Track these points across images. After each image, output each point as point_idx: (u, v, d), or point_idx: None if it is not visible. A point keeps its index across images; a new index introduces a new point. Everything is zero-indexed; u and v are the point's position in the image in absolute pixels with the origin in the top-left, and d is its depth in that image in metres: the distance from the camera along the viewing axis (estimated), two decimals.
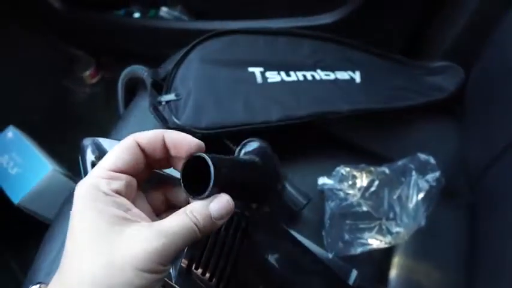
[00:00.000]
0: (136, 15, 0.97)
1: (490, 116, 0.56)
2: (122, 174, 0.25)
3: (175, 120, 0.51)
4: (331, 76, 0.59)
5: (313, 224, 0.57)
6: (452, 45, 0.65)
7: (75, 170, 0.81)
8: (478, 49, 0.60)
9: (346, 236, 0.54)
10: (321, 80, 0.58)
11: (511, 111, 0.50)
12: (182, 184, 0.26)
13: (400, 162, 0.57)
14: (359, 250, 0.54)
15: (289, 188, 0.52)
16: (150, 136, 0.27)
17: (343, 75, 0.59)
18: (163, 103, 0.53)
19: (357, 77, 0.60)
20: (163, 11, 0.96)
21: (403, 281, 0.54)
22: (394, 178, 0.56)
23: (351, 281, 0.47)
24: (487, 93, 0.58)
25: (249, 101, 0.53)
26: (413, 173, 0.56)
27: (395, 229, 0.55)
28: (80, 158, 0.46)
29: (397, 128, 0.63)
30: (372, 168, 0.57)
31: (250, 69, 0.56)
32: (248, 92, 0.54)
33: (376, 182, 0.56)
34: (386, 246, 0.54)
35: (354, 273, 0.49)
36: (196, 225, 0.24)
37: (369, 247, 0.54)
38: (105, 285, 0.21)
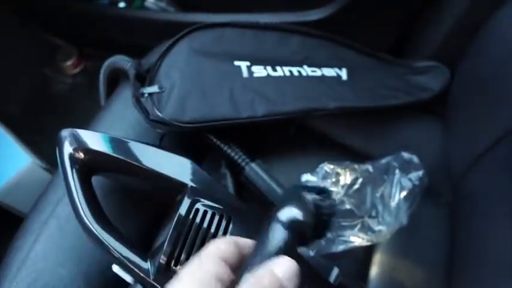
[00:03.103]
0: (121, 4, 0.94)
1: (472, 116, 0.57)
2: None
3: (158, 112, 0.50)
4: (318, 73, 0.58)
5: None
6: (438, 45, 0.65)
7: (55, 163, 0.79)
8: (464, 49, 0.60)
9: (328, 234, 0.54)
10: (308, 76, 0.57)
11: (494, 112, 0.50)
12: None
13: (383, 161, 0.57)
14: (341, 248, 0.53)
15: (272, 184, 0.51)
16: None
17: (329, 72, 0.59)
18: (145, 95, 0.52)
19: (344, 74, 0.60)
20: (150, 1, 0.94)
21: (384, 279, 0.54)
22: (377, 176, 0.56)
23: (332, 278, 0.46)
24: (471, 93, 0.58)
25: (234, 95, 0.53)
26: (397, 171, 0.56)
27: (377, 227, 0.55)
28: (57, 149, 0.45)
29: (381, 126, 0.63)
30: (356, 166, 0.57)
31: (237, 62, 0.55)
32: (233, 85, 0.53)
33: (360, 180, 0.56)
34: (368, 244, 0.54)
35: (335, 270, 0.48)
36: None
37: (350, 245, 0.54)
38: None
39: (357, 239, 0.55)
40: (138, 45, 0.73)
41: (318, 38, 0.62)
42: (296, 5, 0.77)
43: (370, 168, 0.57)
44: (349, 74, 0.60)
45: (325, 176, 0.56)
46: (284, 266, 0.25)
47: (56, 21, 1.00)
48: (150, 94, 0.52)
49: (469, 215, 0.53)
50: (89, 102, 0.97)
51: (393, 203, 0.55)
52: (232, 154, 0.53)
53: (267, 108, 0.52)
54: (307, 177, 0.56)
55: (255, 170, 0.52)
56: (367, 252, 0.55)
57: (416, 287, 0.53)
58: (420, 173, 0.56)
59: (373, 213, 0.55)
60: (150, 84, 0.53)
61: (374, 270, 0.54)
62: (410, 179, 0.57)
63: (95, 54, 1.06)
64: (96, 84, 0.66)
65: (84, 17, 0.95)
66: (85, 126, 0.63)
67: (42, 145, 0.84)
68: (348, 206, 0.55)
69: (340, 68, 0.60)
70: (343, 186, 0.56)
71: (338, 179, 0.56)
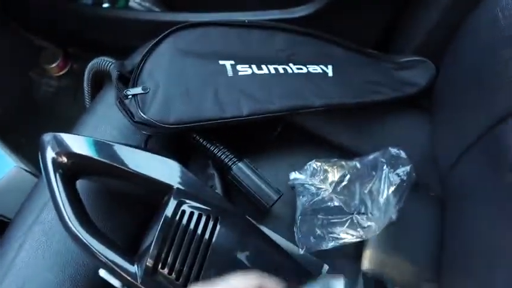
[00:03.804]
0: (105, 5, 0.93)
1: (459, 110, 0.57)
2: None
3: (142, 114, 0.49)
4: (304, 70, 0.58)
5: (285, 219, 0.56)
6: (423, 40, 0.65)
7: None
8: (448, 44, 0.60)
9: (318, 231, 0.54)
10: (293, 74, 0.57)
11: (480, 106, 0.50)
12: None
13: (371, 156, 0.57)
14: (330, 245, 0.53)
15: (259, 183, 0.51)
16: None
17: (315, 68, 0.59)
18: (129, 96, 0.51)
19: (329, 71, 0.60)
20: (134, 1, 0.93)
21: (375, 275, 0.54)
22: (365, 172, 0.56)
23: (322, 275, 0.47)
24: (456, 87, 0.58)
25: (219, 95, 0.52)
26: (384, 167, 0.56)
27: (366, 223, 0.55)
28: (39, 154, 0.44)
29: (368, 122, 0.63)
30: (344, 163, 0.57)
31: (221, 62, 0.55)
32: (218, 85, 0.53)
33: (348, 177, 0.56)
34: (357, 240, 0.55)
35: (325, 268, 0.49)
36: None
37: (340, 242, 0.54)
38: None
39: (347, 236, 0.55)
40: (123, 45, 0.72)
41: (303, 36, 0.62)
42: (282, 2, 0.77)
43: (357, 164, 0.57)
44: (334, 70, 0.60)
45: (313, 173, 0.56)
46: None
47: (39, 22, 0.98)
48: (134, 95, 0.51)
49: (457, 207, 0.54)
50: (75, 105, 0.96)
51: (382, 199, 0.56)
52: (219, 154, 0.52)
53: (252, 107, 0.52)
54: (294, 175, 0.55)
55: (242, 169, 0.52)
56: (357, 249, 0.55)
57: (407, 282, 0.54)
58: (408, 168, 0.56)
59: (362, 210, 0.56)
60: (134, 85, 0.52)
61: (365, 266, 0.54)
62: (398, 174, 0.57)
63: (81, 56, 1.04)
64: (82, 86, 0.65)
65: (68, 17, 0.93)
66: (70, 129, 0.63)
67: (28, 149, 0.82)
68: (336, 203, 0.55)
69: (325, 65, 0.60)
70: (331, 183, 0.56)
71: (326, 176, 0.56)
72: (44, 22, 0.97)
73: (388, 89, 0.61)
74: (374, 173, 0.56)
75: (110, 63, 0.55)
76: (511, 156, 0.40)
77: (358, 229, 0.55)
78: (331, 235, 0.55)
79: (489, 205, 0.45)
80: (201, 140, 0.53)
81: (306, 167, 0.56)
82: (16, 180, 0.76)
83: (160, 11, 0.91)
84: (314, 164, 0.56)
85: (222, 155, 0.52)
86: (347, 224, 0.55)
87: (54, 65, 1.02)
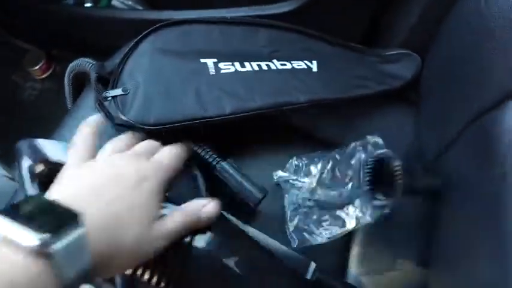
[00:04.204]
0: (88, 4, 0.92)
1: (444, 102, 0.57)
2: None
3: (122, 116, 0.48)
4: (288, 66, 0.57)
5: (275, 217, 0.56)
6: (408, 33, 0.65)
7: None
8: (432, 36, 0.60)
9: (306, 227, 0.54)
10: (277, 70, 0.56)
11: (465, 97, 0.50)
12: None
13: (350, 146, 0.57)
14: (319, 240, 0.53)
15: (244, 182, 0.50)
16: None
17: (299, 64, 0.58)
18: (109, 98, 0.50)
19: (314, 66, 0.59)
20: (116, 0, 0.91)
21: (363, 272, 0.54)
22: (344, 162, 0.56)
23: (309, 274, 0.46)
24: (442, 79, 0.58)
25: (201, 94, 0.51)
26: (362, 154, 0.56)
27: (353, 213, 0.54)
28: (16, 162, 0.43)
29: (353, 116, 0.62)
30: (324, 155, 0.56)
31: (203, 60, 0.53)
32: (200, 83, 0.52)
33: (328, 168, 0.56)
34: (346, 230, 0.54)
35: (312, 266, 0.48)
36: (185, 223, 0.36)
37: (327, 236, 0.54)
38: None
39: (333, 229, 0.54)
40: (107, 45, 0.71)
41: (287, 31, 0.61)
42: None
43: (337, 156, 0.57)
44: (319, 65, 0.59)
45: (296, 170, 0.55)
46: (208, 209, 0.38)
47: (20, 24, 0.97)
48: (113, 97, 0.50)
49: (444, 199, 0.54)
50: (59, 108, 0.94)
51: (364, 186, 0.55)
52: (203, 154, 0.51)
53: (235, 105, 0.51)
54: (278, 173, 0.55)
55: (226, 168, 0.51)
56: (345, 245, 0.55)
57: (395, 278, 0.53)
58: (383, 151, 0.56)
59: (346, 200, 0.55)
60: (114, 86, 0.51)
61: (352, 263, 0.54)
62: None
63: (64, 57, 1.03)
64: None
65: (49, 18, 0.91)
66: (52, 132, 0.61)
67: (11, 154, 0.81)
68: (321, 197, 0.54)
69: (310, 61, 0.59)
70: (314, 176, 0.56)
71: (309, 170, 0.56)
72: (26, 24, 0.95)
73: (373, 83, 0.61)
74: (352, 162, 0.56)
75: (90, 65, 0.54)
76: (497, 147, 0.40)
77: (346, 220, 0.54)
78: (318, 230, 0.54)
79: (475, 196, 0.45)
80: (183, 140, 0.51)
81: (287, 165, 0.55)
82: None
83: (143, 9, 0.90)
84: (295, 161, 0.56)
85: (205, 154, 0.51)
86: (334, 216, 0.55)
87: (37, 67, 1.00)
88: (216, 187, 0.52)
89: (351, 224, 0.54)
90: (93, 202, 0.30)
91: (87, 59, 0.56)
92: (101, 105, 0.50)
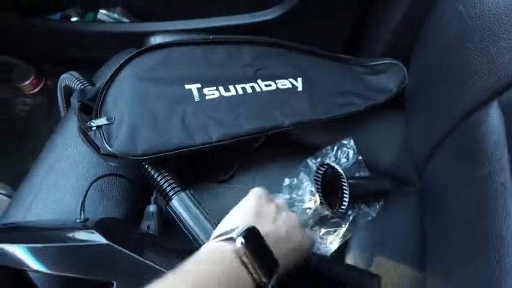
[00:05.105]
0: (74, 18, 0.91)
1: (430, 105, 0.57)
2: None
3: (108, 147, 0.48)
4: (272, 86, 0.57)
5: None
6: (390, 38, 0.65)
7: (16, 187, 0.77)
8: (416, 40, 0.59)
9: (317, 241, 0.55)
10: (262, 92, 0.56)
11: (449, 100, 0.50)
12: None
13: (322, 151, 0.58)
14: (328, 249, 0.54)
15: (199, 217, 0.47)
16: None
17: (284, 84, 0.58)
18: (93, 128, 0.50)
19: (299, 84, 0.59)
20: (102, 13, 0.90)
21: None
22: (314, 168, 0.58)
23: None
24: (426, 83, 0.58)
25: (186, 122, 0.51)
26: (332, 156, 0.58)
27: (347, 220, 0.55)
28: None
29: (344, 122, 0.62)
30: (303, 166, 0.57)
31: (187, 86, 0.53)
32: (185, 111, 0.52)
33: (302, 176, 0.57)
34: (344, 238, 0.55)
35: None
36: None
37: (332, 245, 0.55)
38: None
39: (333, 237, 0.55)
40: (95, 58, 0.70)
41: (271, 46, 0.61)
42: (250, 6, 0.75)
43: (309, 162, 0.58)
44: (304, 83, 0.59)
45: (290, 190, 0.56)
46: None
47: (7, 39, 0.96)
48: (98, 127, 0.50)
49: (436, 200, 0.54)
50: (50, 122, 0.94)
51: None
52: (162, 182, 0.48)
53: (221, 132, 0.51)
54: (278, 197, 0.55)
55: (183, 200, 0.48)
56: (339, 249, 0.55)
57: (392, 282, 0.53)
58: (350, 150, 0.59)
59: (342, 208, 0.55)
60: (98, 115, 0.50)
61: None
62: (347, 159, 0.59)
63: (54, 71, 1.02)
64: (57, 102, 0.64)
65: (36, 33, 0.91)
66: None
67: (3, 170, 0.81)
68: (319, 209, 0.55)
69: (295, 78, 0.59)
70: (305, 189, 0.56)
71: (301, 184, 0.57)
72: (13, 39, 0.94)
73: (359, 99, 0.61)
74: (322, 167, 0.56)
75: (76, 79, 0.54)
76: (482, 147, 0.40)
77: (341, 227, 0.56)
78: (326, 241, 0.55)
79: (463, 196, 0.45)
80: (147, 167, 0.50)
81: (282, 188, 0.56)
82: None
83: (129, 22, 0.89)
84: (287, 181, 0.56)
85: (164, 183, 0.48)
86: (332, 226, 0.56)
87: (27, 82, 1.00)
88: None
89: (344, 233, 0.55)
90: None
91: (72, 74, 0.56)
92: (85, 136, 0.50)
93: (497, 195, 0.37)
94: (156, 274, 0.30)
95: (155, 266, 0.38)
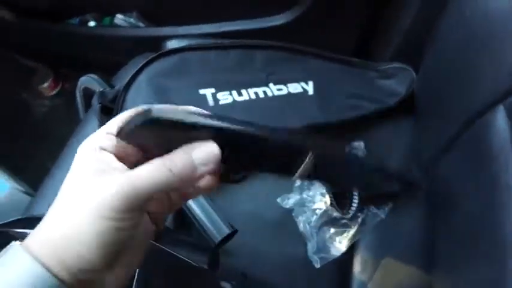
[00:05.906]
0: (92, 23, 0.94)
1: (438, 108, 0.57)
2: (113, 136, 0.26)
3: None
4: (284, 90, 0.58)
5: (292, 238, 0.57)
6: (400, 42, 0.66)
7: (37, 187, 0.79)
8: (426, 43, 0.60)
9: (328, 242, 0.56)
10: (274, 97, 0.57)
11: (457, 104, 0.51)
12: None
13: None
14: (338, 254, 0.55)
15: (211, 215, 0.49)
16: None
17: (295, 87, 0.59)
18: None
19: (310, 88, 0.60)
20: (119, 18, 0.93)
21: (367, 277, 0.55)
22: None
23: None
24: (435, 86, 0.58)
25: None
26: None
27: (356, 221, 0.56)
28: None
29: (352, 125, 0.62)
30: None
31: (201, 91, 0.55)
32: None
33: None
34: (353, 239, 0.56)
35: None
36: (171, 169, 0.24)
37: (344, 245, 0.56)
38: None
39: (345, 239, 0.56)
40: (112, 62, 0.73)
41: (283, 51, 0.62)
42: (260, 12, 0.77)
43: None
44: (315, 87, 0.60)
45: (301, 189, 0.57)
46: (202, 150, 0.25)
47: (28, 43, 0.99)
48: None
49: (444, 202, 0.54)
50: (68, 124, 0.97)
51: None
52: None
53: None
54: (286, 199, 0.57)
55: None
56: (347, 252, 0.56)
57: (399, 282, 0.54)
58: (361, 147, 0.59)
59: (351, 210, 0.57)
60: None
61: (357, 270, 0.55)
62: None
63: (71, 75, 1.06)
64: (74, 105, 0.66)
65: (56, 38, 0.94)
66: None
67: (23, 169, 0.84)
68: (329, 211, 0.56)
69: (306, 82, 0.60)
70: (315, 191, 0.58)
71: (310, 187, 0.58)
72: (34, 44, 0.98)
73: (369, 103, 0.62)
74: None
75: (95, 82, 0.57)
76: (489, 150, 0.41)
77: (351, 228, 0.57)
78: (335, 242, 0.57)
79: (471, 198, 0.45)
80: None
81: (293, 189, 0.57)
82: (11, 201, 0.77)
83: (145, 26, 0.92)
84: (298, 182, 0.58)
85: None
86: (340, 226, 0.57)
87: (45, 85, 1.03)
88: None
89: (354, 234, 0.56)
90: None
91: (94, 77, 0.59)
92: None
93: (504, 196, 0.38)
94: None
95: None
